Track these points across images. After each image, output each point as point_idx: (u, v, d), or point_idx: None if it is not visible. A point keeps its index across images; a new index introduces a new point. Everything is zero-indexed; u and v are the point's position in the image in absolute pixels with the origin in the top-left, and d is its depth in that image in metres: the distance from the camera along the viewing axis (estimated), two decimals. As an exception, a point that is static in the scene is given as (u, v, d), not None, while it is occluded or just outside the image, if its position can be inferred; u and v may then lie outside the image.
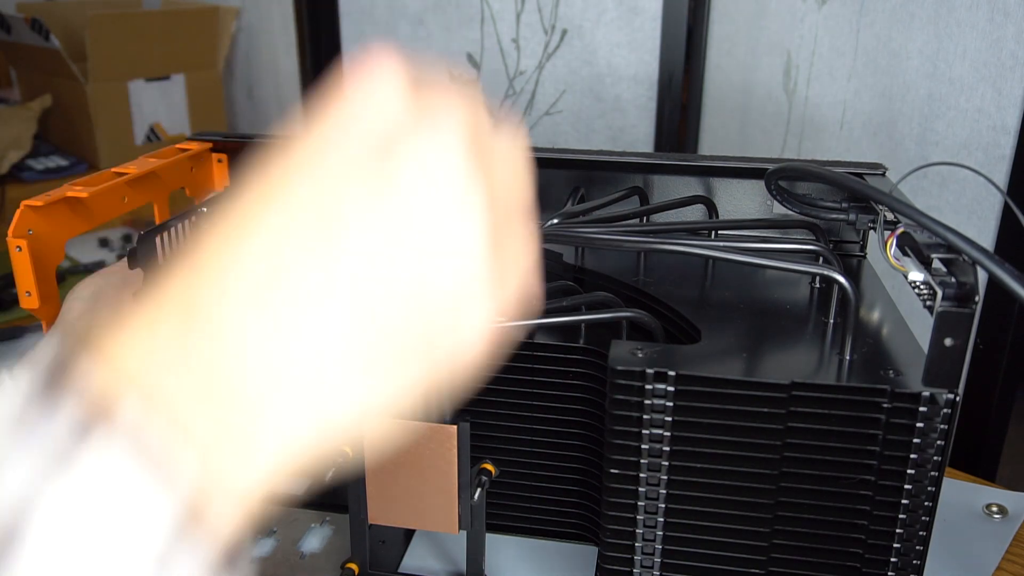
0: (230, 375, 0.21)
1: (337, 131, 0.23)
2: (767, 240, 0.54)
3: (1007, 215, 0.89)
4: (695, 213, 0.64)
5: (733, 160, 0.64)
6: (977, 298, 0.38)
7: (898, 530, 0.45)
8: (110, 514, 0.20)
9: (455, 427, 0.49)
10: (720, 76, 1.19)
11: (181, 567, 0.20)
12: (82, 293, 0.51)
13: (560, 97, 1.29)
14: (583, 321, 0.50)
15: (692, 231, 0.58)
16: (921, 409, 0.42)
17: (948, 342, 0.39)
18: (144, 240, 0.52)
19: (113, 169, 0.56)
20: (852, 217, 0.55)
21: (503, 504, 0.56)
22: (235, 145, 0.66)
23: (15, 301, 0.98)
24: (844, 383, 0.43)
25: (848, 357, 0.46)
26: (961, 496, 0.65)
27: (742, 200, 0.64)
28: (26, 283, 0.49)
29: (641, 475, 0.46)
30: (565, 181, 0.65)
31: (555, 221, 0.56)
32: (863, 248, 0.63)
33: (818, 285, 0.57)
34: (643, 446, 0.45)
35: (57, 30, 1.39)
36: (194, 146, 0.64)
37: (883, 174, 0.62)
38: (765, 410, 0.44)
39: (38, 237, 0.50)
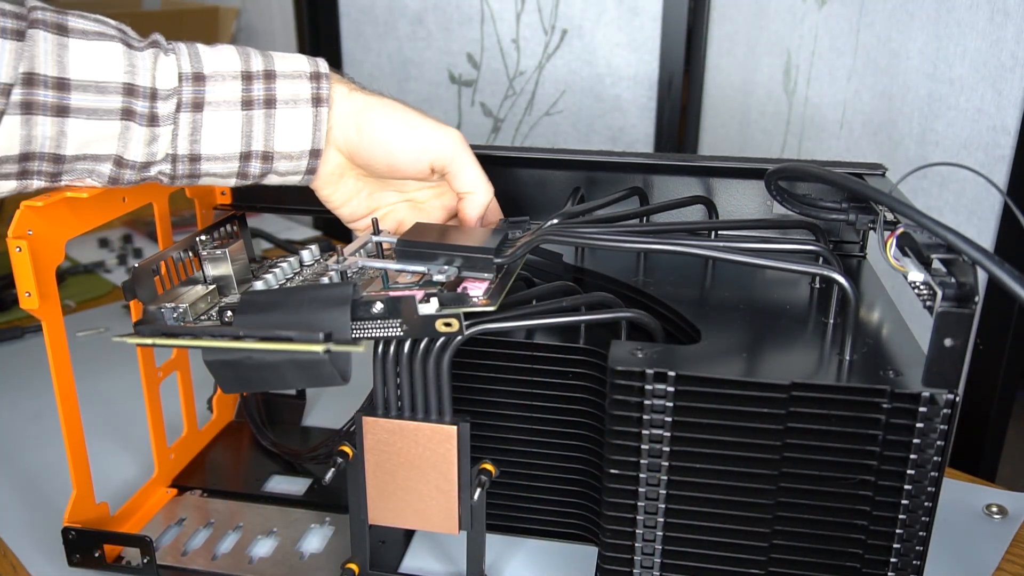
0: None
1: None
2: (767, 240, 0.54)
3: (1007, 215, 0.89)
4: (695, 213, 0.64)
5: (733, 160, 0.64)
6: (977, 298, 0.38)
7: (898, 530, 0.45)
8: None
9: (455, 427, 0.49)
10: (720, 76, 1.19)
11: None
12: None
13: (560, 97, 1.29)
14: (583, 321, 0.50)
15: (692, 231, 0.58)
16: (921, 409, 0.42)
17: (948, 342, 0.39)
18: (139, 272, 0.52)
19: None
20: (852, 217, 0.55)
21: (503, 504, 0.56)
22: (235, 145, 0.66)
23: (15, 301, 0.98)
24: (844, 383, 0.43)
25: (848, 357, 0.46)
26: (961, 496, 0.65)
27: (742, 200, 0.64)
28: (26, 283, 0.49)
29: (641, 475, 0.46)
30: (565, 181, 0.65)
31: (555, 221, 0.56)
32: (863, 248, 0.63)
33: (818, 285, 0.57)
34: (643, 446, 0.45)
35: (57, 30, 1.39)
36: (194, 146, 0.64)
37: (883, 174, 0.62)
38: (765, 410, 0.44)
39: (38, 237, 0.50)
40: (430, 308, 0.46)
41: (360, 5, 1.38)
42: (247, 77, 0.50)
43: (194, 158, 0.50)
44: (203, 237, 0.58)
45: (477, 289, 0.48)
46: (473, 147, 0.64)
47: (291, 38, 1.50)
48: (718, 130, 1.22)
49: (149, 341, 0.44)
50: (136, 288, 0.51)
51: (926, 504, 0.44)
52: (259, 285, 0.54)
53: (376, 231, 0.57)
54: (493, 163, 0.64)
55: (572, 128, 1.30)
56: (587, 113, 1.28)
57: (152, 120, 0.48)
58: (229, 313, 0.48)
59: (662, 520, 0.47)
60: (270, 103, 0.50)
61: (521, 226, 0.55)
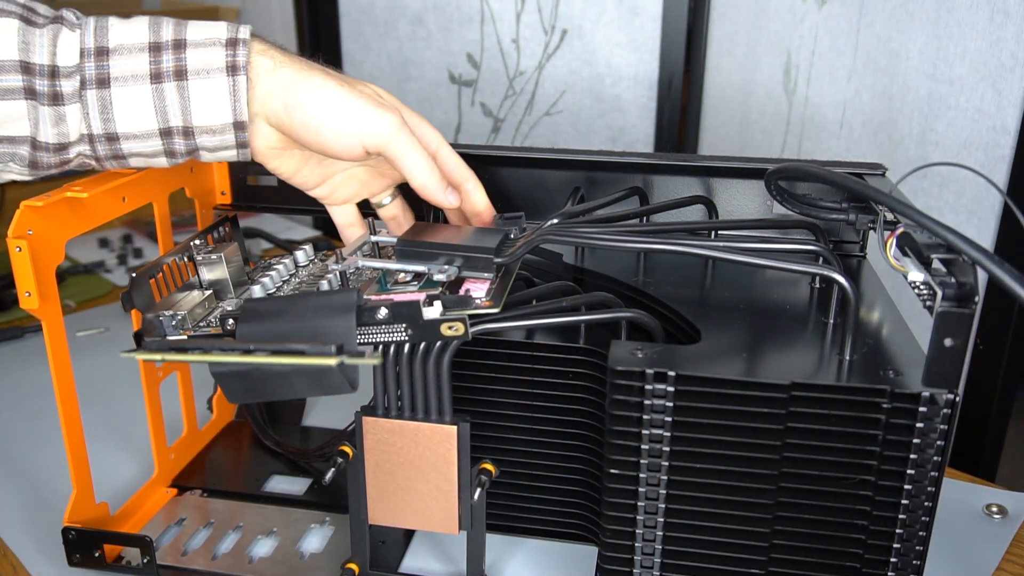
0: None
1: None
2: (767, 240, 0.54)
3: (1007, 215, 0.89)
4: (695, 213, 0.64)
5: (733, 160, 0.64)
6: (977, 298, 0.38)
7: (898, 530, 0.45)
8: None
9: (455, 427, 0.49)
10: (720, 76, 1.19)
11: None
12: None
13: (560, 97, 1.29)
14: (583, 321, 0.50)
15: (692, 231, 0.58)
16: (921, 409, 0.42)
17: (948, 342, 0.39)
18: (136, 282, 0.51)
19: (113, 169, 0.56)
20: (852, 217, 0.55)
21: (503, 504, 0.56)
22: (235, 145, 0.66)
23: (15, 301, 0.98)
24: (844, 383, 0.43)
25: (848, 357, 0.46)
26: (961, 496, 0.65)
27: (742, 200, 0.64)
28: (26, 283, 0.49)
29: (641, 475, 0.46)
30: (565, 181, 0.65)
31: (555, 221, 0.56)
32: (863, 248, 0.63)
33: (818, 285, 0.57)
34: (643, 446, 0.45)
35: (57, 30, 1.39)
36: (194, 146, 0.64)
37: (883, 174, 0.62)
38: (765, 410, 0.44)
39: (38, 237, 0.50)
40: (434, 312, 0.46)
41: (360, 5, 1.38)
42: (155, 48, 0.47)
43: (111, 137, 0.48)
44: (197, 241, 0.58)
45: (479, 290, 0.48)
46: (473, 147, 0.64)
47: (291, 38, 1.50)
48: (718, 130, 1.22)
49: (158, 357, 0.44)
50: (134, 296, 0.51)
51: (926, 504, 0.44)
52: (257, 290, 0.54)
53: (373, 231, 0.57)
54: (493, 163, 0.65)
55: (572, 128, 1.30)
56: (587, 113, 1.28)
57: (55, 99, 0.46)
58: (231, 321, 0.48)
59: (662, 520, 0.47)
60: (180, 75, 0.48)
61: (516, 222, 0.55)
